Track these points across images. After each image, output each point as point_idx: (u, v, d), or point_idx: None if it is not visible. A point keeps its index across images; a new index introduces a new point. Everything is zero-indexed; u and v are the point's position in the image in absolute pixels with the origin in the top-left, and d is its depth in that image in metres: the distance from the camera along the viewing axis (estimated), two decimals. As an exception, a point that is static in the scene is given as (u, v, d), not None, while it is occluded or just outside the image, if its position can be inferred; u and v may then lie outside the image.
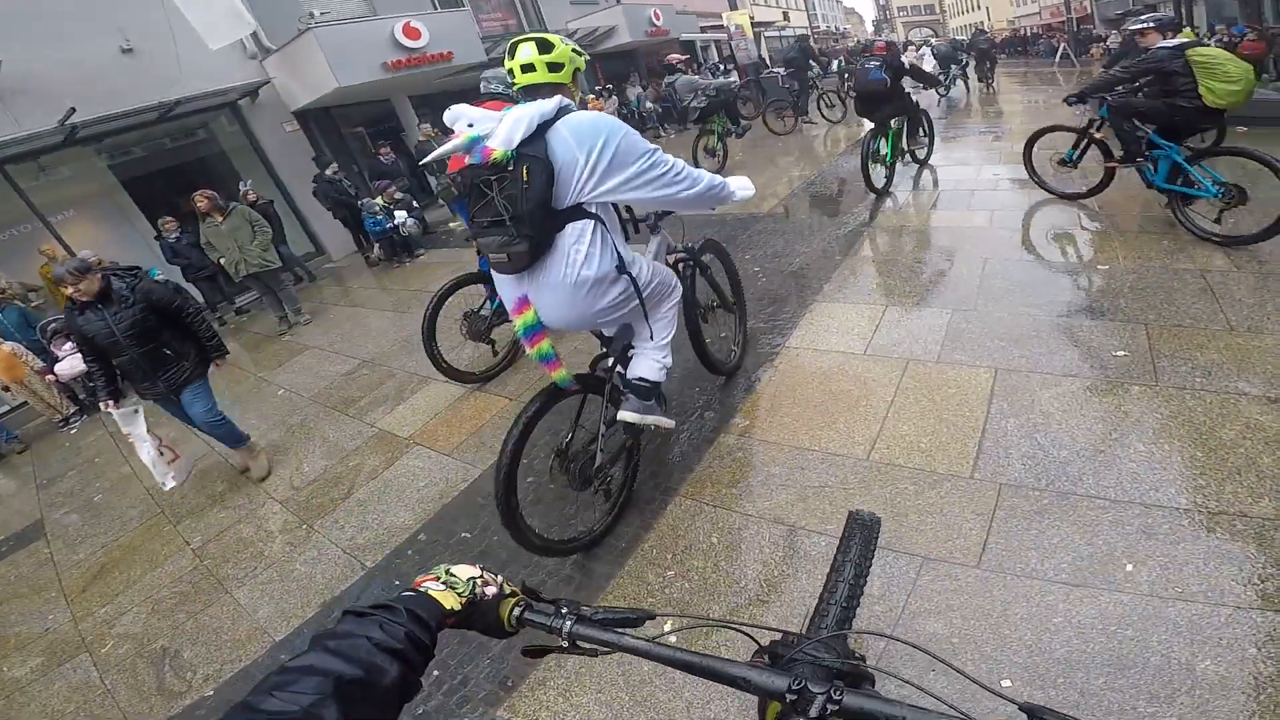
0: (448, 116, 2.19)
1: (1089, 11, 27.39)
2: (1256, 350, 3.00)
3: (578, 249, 2.11)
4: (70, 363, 5.73)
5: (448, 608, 0.82)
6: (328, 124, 10.87)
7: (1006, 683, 1.81)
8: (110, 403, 3.65)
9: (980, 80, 15.88)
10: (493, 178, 2.02)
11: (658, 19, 17.42)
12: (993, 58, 16.50)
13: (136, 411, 3.79)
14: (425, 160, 2.60)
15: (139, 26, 8.53)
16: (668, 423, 2.67)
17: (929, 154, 7.83)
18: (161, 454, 3.89)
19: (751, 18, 27.28)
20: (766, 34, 31.83)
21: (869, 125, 6.87)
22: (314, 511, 3.48)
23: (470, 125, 2.07)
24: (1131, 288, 3.80)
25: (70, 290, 3.37)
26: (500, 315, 4.40)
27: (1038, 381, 3.03)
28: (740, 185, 2.51)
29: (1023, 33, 33.26)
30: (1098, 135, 5.18)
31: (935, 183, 7.14)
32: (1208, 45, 4.49)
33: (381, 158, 9.87)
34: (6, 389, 6.36)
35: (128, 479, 4.57)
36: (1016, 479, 2.49)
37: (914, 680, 0.78)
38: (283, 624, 2.74)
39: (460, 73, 10.65)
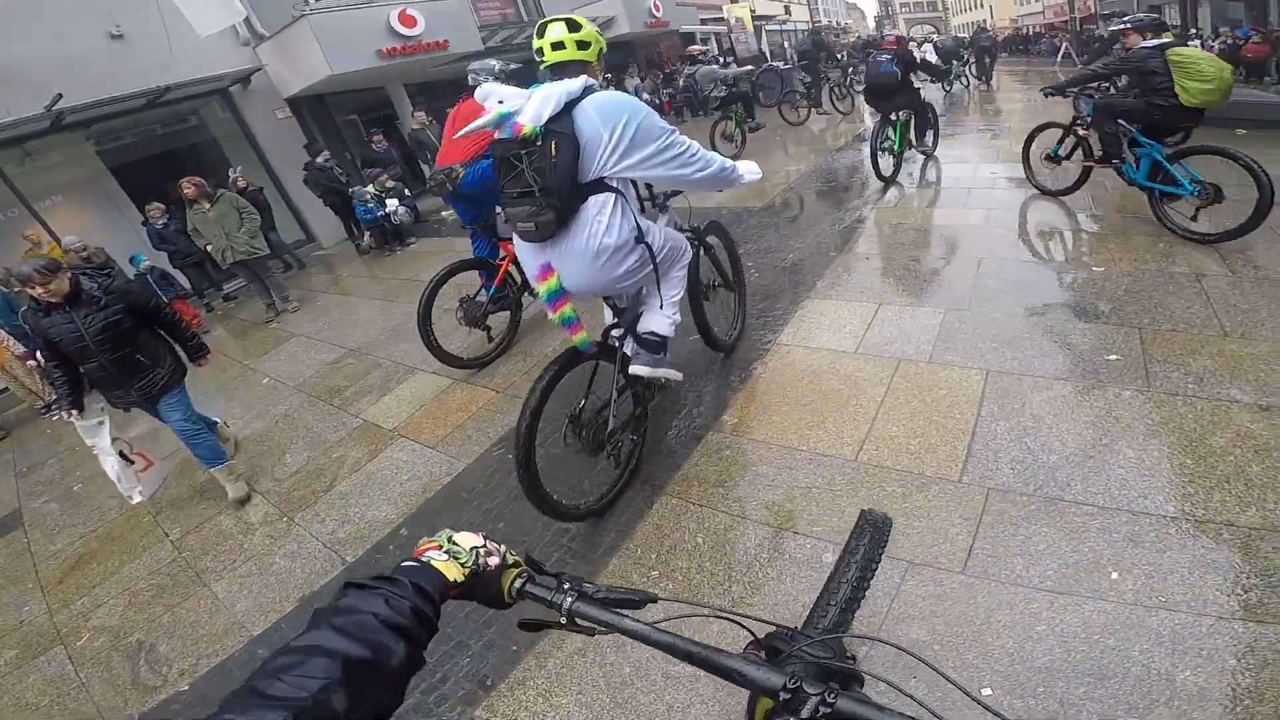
0: (479, 94, 2.35)
1: (1093, 11, 27.31)
2: (1249, 357, 2.97)
3: (600, 219, 2.24)
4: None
5: (451, 579, 0.79)
6: (321, 111, 10.75)
7: (987, 691, 1.79)
8: (73, 413, 3.36)
9: (979, 78, 15.85)
10: (523, 151, 2.13)
11: (657, 10, 17.27)
12: (993, 55, 16.47)
13: (101, 424, 3.50)
14: (461, 133, 2.67)
15: (129, 13, 8.44)
16: (676, 375, 2.83)
17: (935, 145, 7.85)
18: (131, 462, 3.63)
19: (753, 11, 27.13)
20: (767, 28, 31.66)
21: (868, 119, 6.84)
22: (295, 504, 3.44)
23: (501, 102, 2.19)
24: (1126, 290, 3.78)
25: (38, 291, 3.04)
26: (496, 302, 4.42)
27: (1029, 384, 3.00)
28: (748, 169, 2.62)
29: (1025, 31, 33.13)
30: (1081, 132, 5.27)
31: (934, 180, 7.11)
32: (1188, 45, 4.57)
33: (374, 145, 9.78)
34: (-12, 374, 6.25)
35: (108, 468, 4.50)
36: (1005, 483, 2.46)
37: (901, 685, 0.76)
38: (261, 619, 2.69)
39: (455, 61, 10.55)
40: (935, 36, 16.76)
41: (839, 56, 15.46)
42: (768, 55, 23.47)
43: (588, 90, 2.19)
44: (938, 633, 1.97)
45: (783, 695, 0.70)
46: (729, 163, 2.49)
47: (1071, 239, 4.83)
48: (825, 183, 7.70)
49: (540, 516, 2.78)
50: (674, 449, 3.07)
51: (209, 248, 6.63)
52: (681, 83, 13.81)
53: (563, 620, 0.83)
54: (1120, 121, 4.83)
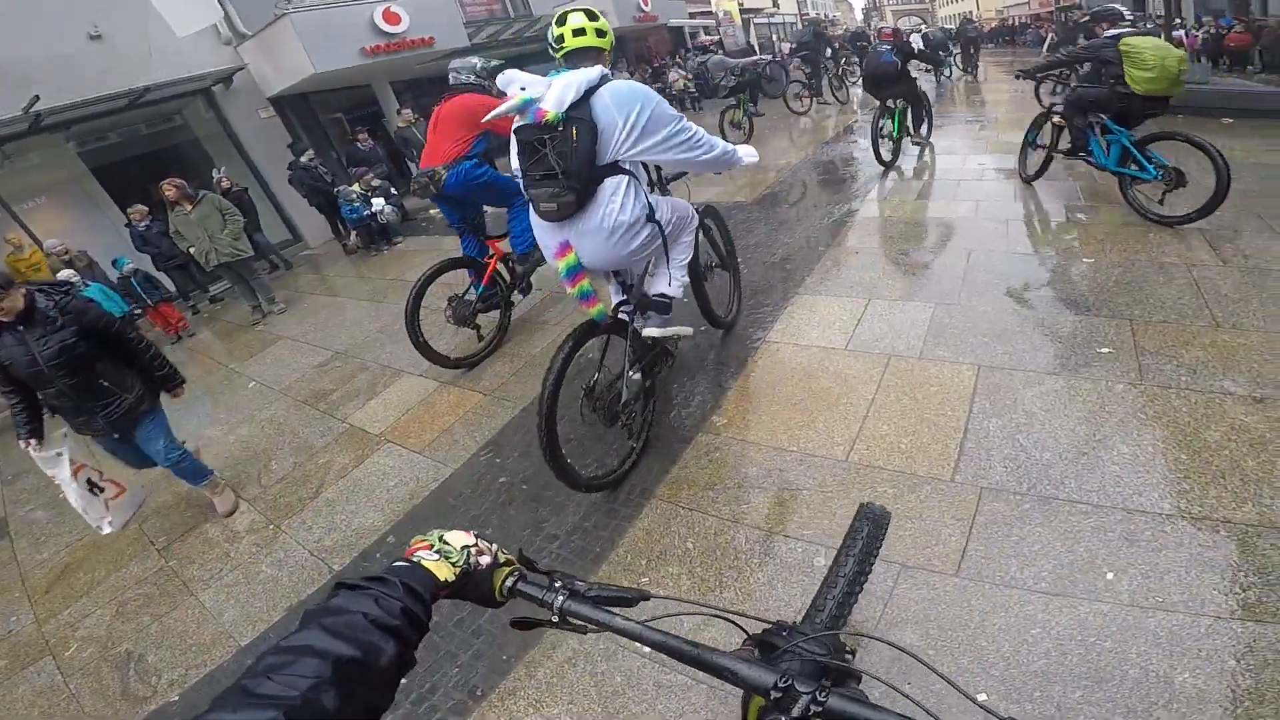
0: (501, 80, 2.42)
1: (1077, 1, 27.25)
2: (1242, 348, 2.95)
3: (615, 199, 2.40)
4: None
5: (442, 579, 0.79)
6: (305, 110, 10.63)
7: (983, 696, 1.76)
8: (31, 442, 3.08)
9: (965, 68, 15.83)
10: (546, 136, 2.27)
11: (646, 4, 17.12)
12: (977, 45, 16.47)
13: (60, 455, 3.20)
14: (488, 117, 2.72)
15: (109, 13, 8.32)
16: (686, 330, 3.07)
17: (929, 132, 7.98)
18: (98, 491, 3.37)
19: (741, 4, 27.01)
20: (755, 21, 31.55)
21: (859, 110, 6.84)
22: (282, 511, 3.38)
23: (523, 89, 2.30)
24: (1117, 281, 3.75)
25: None
26: (485, 300, 4.38)
27: (1021, 379, 2.97)
28: (747, 153, 2.81)
29: (1011, 22, 33.02)
30: (1056, 120, 5.46)
31: (924, 171, 7.09)
32: (1144, 36, 4.71)
33: (359, 144, 9.67)
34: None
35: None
36: (998, 482, 2.42)
37: (896, 684, 0.76)
38: (248, 628, 2.65)
39: (441, 58, 10.43)
40: (923, 27, 16.78)
41: (836, 47, 15.53)
42: (756, 49, 23.37)
43: (604, 79, 2.34)
44: (932, 637, 1.93)
45: (774, 694, 0.70)
46: (730, 147, 2.67)
47: (1061, 230, 4.79)
48: (816, 175, 7.67)
49: (528, 523, 2.77)
50: (664, 451, 3.03)
51: (192, 250, 6.53)
52: (693, 70, 14.22)
53: (554, 619, 0.82)
54: (1090, 114, 5.01)
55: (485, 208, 4.55)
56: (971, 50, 15.72)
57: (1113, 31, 4.75)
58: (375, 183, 8.48)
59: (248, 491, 3.64)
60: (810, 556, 2.29)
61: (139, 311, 7.13)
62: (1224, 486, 2.24)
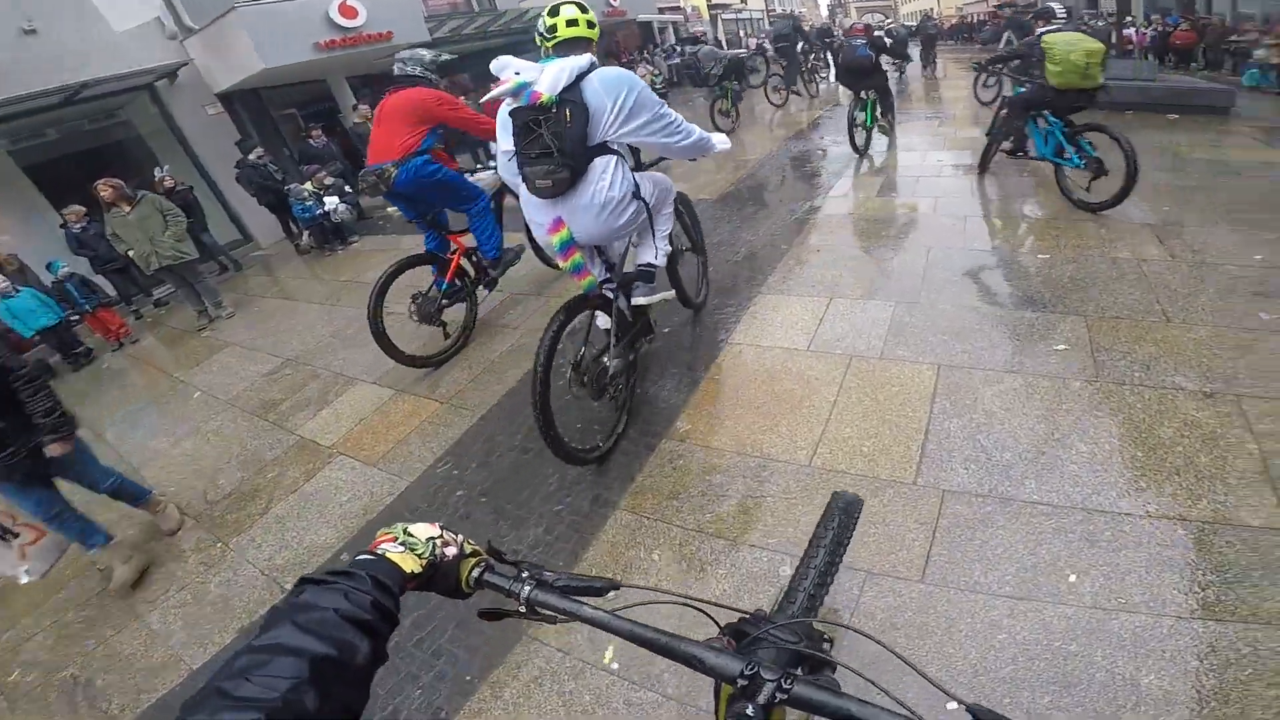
0: (495, 65, 2.55)
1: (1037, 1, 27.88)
2: (1192, 343, 3.00)
3: (604, 176, 2.58)
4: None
5: (408, 570, 0.77)
6: (255, 106, 10.25)
7: (952, 706, 1.72)
8: None
9: (923, 64, 16.04)
10: (541, 117, 2.41)
11: None
12: (934, 43, 16.71)
13: None
14: (487, 97, 2.91)
15: (44, 7, 7.88)
16: (670, 293, 3.29)
17: (893, 123, 8.27)
18: (13, 536, 3.06)
19: (709, 0, 26.99)
20: (723, 16, 31.59)
21: (821, 107, 6.88)
22: (229, 528, 3.22)
23: (517, 73, 2.45)
24: (1071, 278, 3.79)
25: None
26: (450, 296, 4.28)
27: (980, 378, 2.97)
28: (719, 140, 2.99)
29: (970, 19, 33.54)
30: (1003, 113, 5.82)
31: (885, 168, 7.14)
32: (1064, 32, 4.90)
33: (312, 141, 9.34)
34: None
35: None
36: (959, 485, 2.41)
37: (864, 672, 0.77)
38: (199, 651, 2.53)
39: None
40: (887, 24, 17.03)
41: (814, 43, 15.78)
42: (724, 44, 23.43)
43: (593, 65, 2.50)
44: (900, 646, 1.90)
45: (740, 681, 0.70)
46: (705, 134, 2.85)
47: (1017, 226, 4.85)
48: (780, 171, 7.66)
49: (488, 537, 2.63)
50: (627, 460, 2.95)
51: (131, 253, 6.23)
52: (684, 60, 14.74)
53: (521, 609, 0.82)
54: (1031, 111, 5.33)
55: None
56: (929, 47, 15.93)
57: (1043, 28, 5.05)
58: (328, 181, 8.21)
59: (193, 508, 3.46)
60: (776, 565, 2.25)
61: (75, 318, 6.78)
62: (1179, 484, 2.26)
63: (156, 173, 7.87)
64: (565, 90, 2.41)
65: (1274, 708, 1.59)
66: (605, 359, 2.87)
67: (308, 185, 8.09)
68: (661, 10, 23.21)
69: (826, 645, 1.04)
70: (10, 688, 2.60)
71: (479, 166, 5.16)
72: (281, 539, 3.05)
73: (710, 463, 2.80)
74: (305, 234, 8.17)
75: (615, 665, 2.04)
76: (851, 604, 2.05)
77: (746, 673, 0.70)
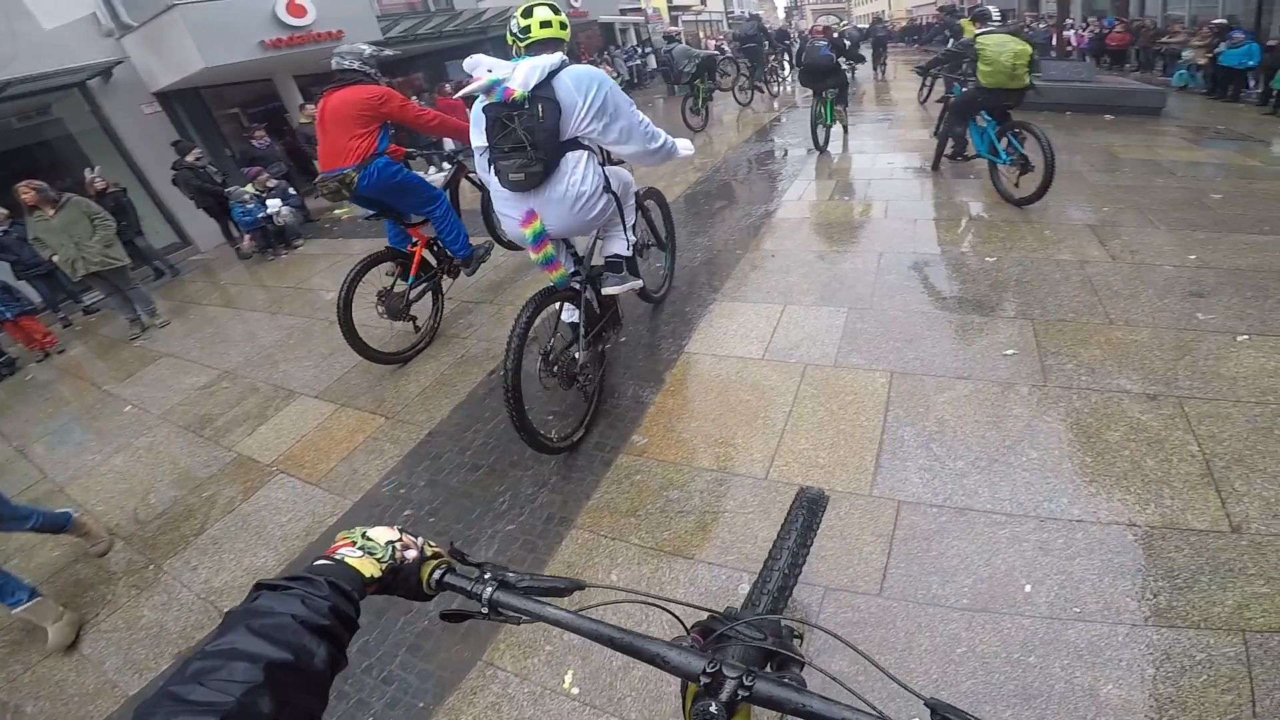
0: (468, 64, 2.63)
1: (982, 2, 28.55)
2: (1134, 344, 3.07)
3: (576, 171, 2.65)
4: None
5: (368, 575, 0.76)
6: (195, 105, 9.81)
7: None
8: None
9: (874, 67, 16.33)
10: (514, 113, 2.48)
11: (575, 0, 16.76)
12: (885, 45, 17.03)
13: None
14: (458, 95, 3.11)
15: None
16: (638, 283, 3.27)
17: (846, 115, 8.42)
18: None
19: (669, 1, 26.93)
20: (684, 18, 31.65)
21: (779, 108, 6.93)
22: (162, 550, 3.03)
23: (490, 70, 2.53)
24: (1018, 280, 3.86)
25: None
26: (415, 288, 4.24)
27: (932, 385, 2.98)
28: (683, 145, 3.07)
29: (919, 22, 34.23)
30: (946, 116, 6.20)
31: (838, 170, 7.20)
32: (996, 34, 5.21)
33: (255, 142, 8.94)
34: None
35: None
36: (915, 495, 2.40)
37: (831, 670, 0.78)
38: (134, 677, 2.40)
39: None
40: (841, 25, 17.32)
41: (778, 44, 16.01)
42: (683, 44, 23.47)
43: (564, 63, 2.57)
44: (860, 662, 1.85)
45: (703, 679, 0.70)
46: (670, 139, 2.95)
47: (965, 229, 4.93)
48: (735, 173, 7.67)
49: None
50: (583, 475, 2.87)
51: (55, 259, 5.85)
52: (659, 57, 15.06)
53: (484, 610, 0.80)
54: (969, 113, 5.63)
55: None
56: (880, 50, 16.21)
57: (978, 30, 5.34)
58: (271, 183, 7.87)
59: (123, 528, 3.26)
60: (734, 583, 2.21)
61: (-6, 327, 6.34)
62: (1127, 489, 2.29)
63: (87, 174, 7.43)
64: (537, 87, 2.47)
65: (1230, 713, 1.60)
66: (574, 350, 2.94)
67: (249, 188, 7.74)
68: (623, 12, 23.12)
69: (797, 641, 1.05)
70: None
71: (433, 169, 5.01)
72: (218, 561, 2.89)
73: (668, 478, 2.74)
74: (246, 238, 7.82)
75: (575, 690, 1.97)
76: (811, 619, 2.02)
77: (709, 670, 0.70)
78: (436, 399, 3.69)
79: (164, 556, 2.99)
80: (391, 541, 0.82)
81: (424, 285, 4.33)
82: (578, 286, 2.99)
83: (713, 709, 0.68)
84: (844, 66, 8.02)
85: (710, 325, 3.91)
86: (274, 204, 7.61)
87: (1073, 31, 16.20)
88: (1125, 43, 15.73)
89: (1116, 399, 2.72)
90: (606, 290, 3.14)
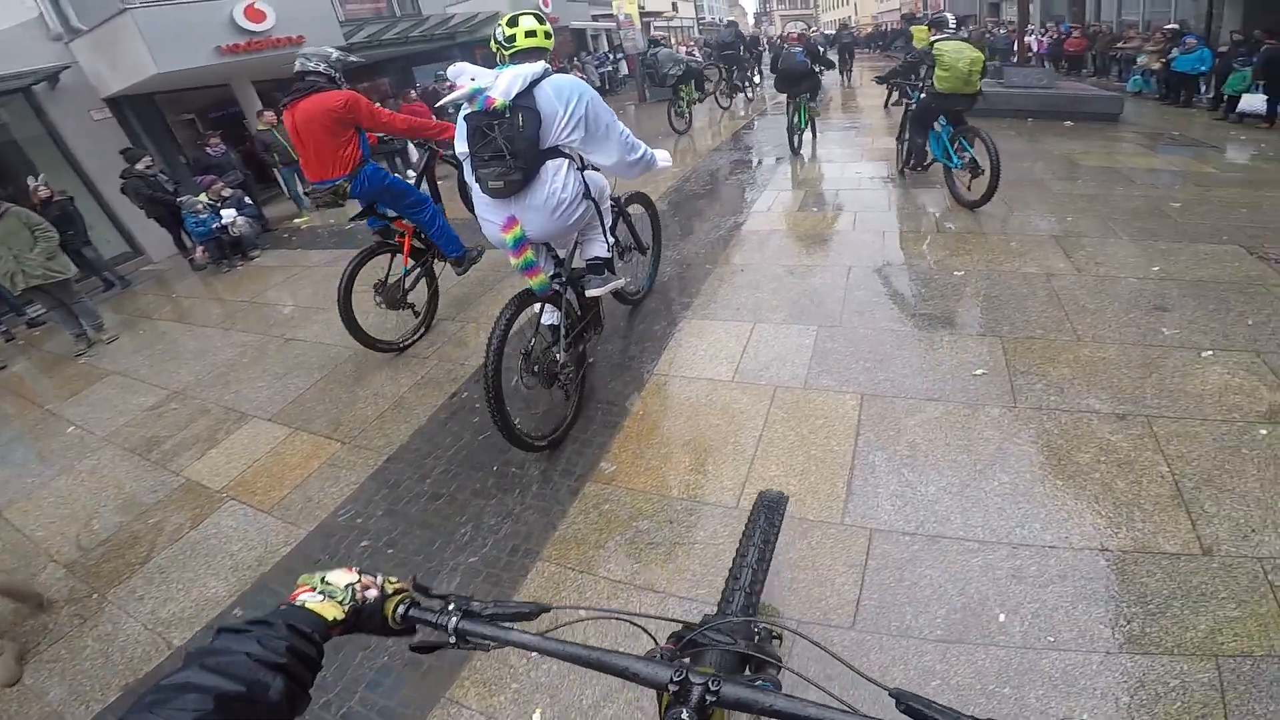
0: (451, 72, 2.69)
1: (942, 8, 29.04)
2: (1102, 362, 3.07)
3: (557, 179, 2.70)
4: None
5: (329, 618, 0.77)
6: (148, 111, 9.49)
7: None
8: None
9: (840, 73, 16.52)
10: (494, 122, 2.52)
11: (546, 5, 16.59)
12: (851, 51, 17.23)
13: None
14: (439, 104, 3.18)
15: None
16: (620, 281, 3.34)
17: (815, 110, 8.83)
18: None
19: (641, 7, 26.80)
20: (655, 24, 31.64)
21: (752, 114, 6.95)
22: (105, 578, 2.89)
23: (473, 79, 2.56)
24: (986, 295, 3.86)
25: None
26: (409, 275, 4.38)
27: (902, 408, 2.94)
28: (662, 157, 3.12)
29: (884, 28, 34.78)
30: (907, 124, 6.37)
31: (806, 180, 7.22)
32: (956, 41, 5.41)
33: (209, 149, 8.62)
34: None
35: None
36: (887, 523, 2.35)
37: (803, 670, 0.83)
38: (80, 709, 2.28)
39: None
40: (811, 32, 17.63)
41: (754, 50, 16.26)
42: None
43: (546, 73, 2.61)
44: (836, 693, 1.80)
45: (671, 688, 0.71)
46: (649, 151, 2.99)
47: (933, 241, 4.91)
48: (706, 183, 7.62)
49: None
50: (549, 505, 2.76)
51: (-8, 272, 5.55)
52: (645, 61, 15.19)
53: (451, 640, 0.81)
54: (926, 121, 5.80)
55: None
56: (846, 56, 16.39)
57: (935, 36, 5.52)
58: (226, 192, 7.61)
59: (64, 555, 3.10)
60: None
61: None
62: (1099, 512, 2.27)
63: (30, 182, 7.09)
64: (519, 96, 2.51)
65: (1206, 741, 1.57)
66: (555, 351, 2.98)
67: (202, 197, 7.48)
68: (595, 18, 23.00)
69: (776, 642, 1.07)
70: None
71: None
72: (165, 591, 2.75)
73: (637, 507, 2.65)
74: (199, 249, 7.54)
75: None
76: (785, 654, 1.93)
77: (675, 679, 0.71)
78: (395, 423, 3.55)
79: (108, 585, 2.85)
80: (351, 584, 0.82)
81: (417, 271, 4.44)
82: (559, 288, 3.02)
83: (684, 716, 0.69)
84: (817, 71, 8.32)
85: (680, 345, 3.83)
86: (229, 214, 7.35)
87: (1033, 37, 16.47)
88: (1083, 48, 16.04)
89: (1086, 419, 2.70)
90: (590, 292, 3.18)
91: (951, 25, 5.73)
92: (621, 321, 4.17)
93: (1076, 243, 4.53)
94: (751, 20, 76.19)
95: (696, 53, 15.17)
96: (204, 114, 10.77)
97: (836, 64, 16.82)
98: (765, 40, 26.23)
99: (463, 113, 2.66)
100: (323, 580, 0.81)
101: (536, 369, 2.91)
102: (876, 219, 5.56)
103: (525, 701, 1.96)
